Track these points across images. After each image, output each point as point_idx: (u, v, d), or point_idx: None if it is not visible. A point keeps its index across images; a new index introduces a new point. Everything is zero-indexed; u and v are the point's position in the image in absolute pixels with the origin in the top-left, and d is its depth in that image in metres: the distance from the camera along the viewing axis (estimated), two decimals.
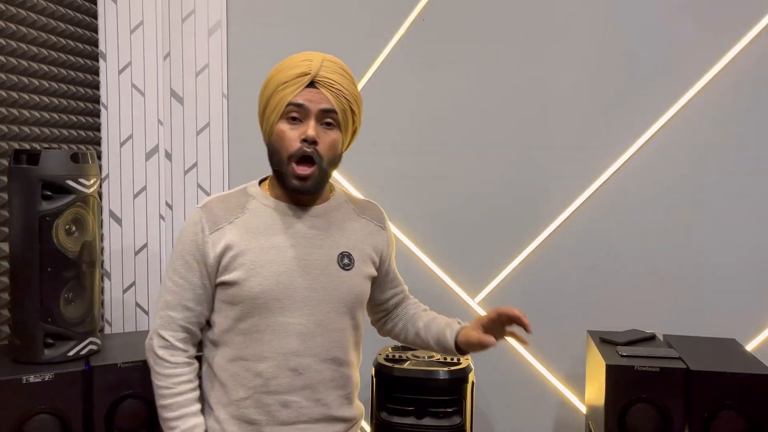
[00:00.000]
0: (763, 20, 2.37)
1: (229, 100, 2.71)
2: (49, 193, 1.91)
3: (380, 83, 2.64)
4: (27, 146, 2.29)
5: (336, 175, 2.68)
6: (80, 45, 2.59)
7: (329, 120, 1.39)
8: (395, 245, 1.65)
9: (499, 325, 1.48)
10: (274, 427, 1.38)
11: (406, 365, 2.22)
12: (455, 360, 2.26)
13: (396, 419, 2.17)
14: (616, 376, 2.00)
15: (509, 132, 2.59)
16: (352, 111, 1.43)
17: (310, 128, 1.34)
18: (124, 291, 2.75)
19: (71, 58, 2.54)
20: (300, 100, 1.36)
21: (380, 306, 1.65)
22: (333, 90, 1.38)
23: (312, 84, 1.37)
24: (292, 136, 1.36)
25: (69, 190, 1.93)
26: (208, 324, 1.46)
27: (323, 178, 1.41)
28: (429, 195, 2.63)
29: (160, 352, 1.41)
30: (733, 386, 1.94)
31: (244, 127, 2.73)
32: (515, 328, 1.50)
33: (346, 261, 1.42)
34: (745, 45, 2.39)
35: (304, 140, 1.35)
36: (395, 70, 2.63)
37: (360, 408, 1.57)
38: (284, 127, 1.37)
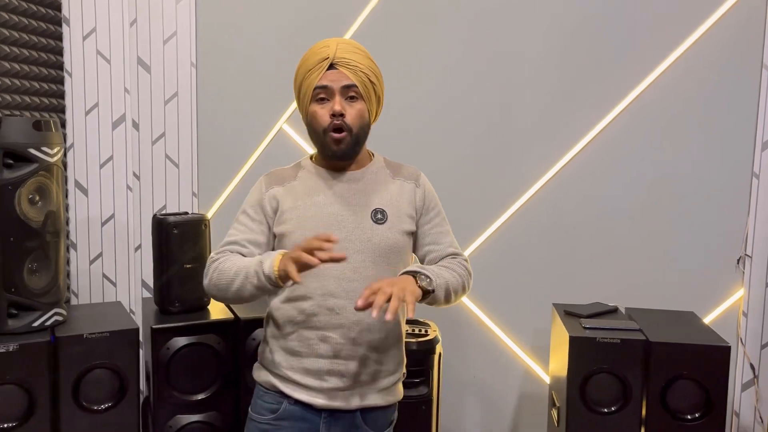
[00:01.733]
0: (722, 7, 2.41)
1: (197, 69, 2.67)
2: (11, 161, 1.87)
3: None
4: None
5: None
6: (42, 9, 2.51)
7: (352, 94, 1.58)
8: (436, 200, 1.71)
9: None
10: (313, 359, 1.55)
11: None
12: (423, 332, 2.29)
13: None
14: (578, 347, 2.05)
15: (476, 115, 2.60)
16: (372, 82, 1.61)
17: (336, 103, 1.56)
18: (91, 262, 2.71)
19: (33, 22, 2.46)
20: (324, 82, 1.57)
21: (422, 261, 1.71)
22: (350, 67, 1.57)
23: (332, 66, 1.57)
24: (323, 113, 1.58)
25: (31, 159, 1.89)
26: None
27: (356, 142, 1.61)
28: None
29: (213, 257, 1.59)
30: (689, 357, 2.01)
31: (213, 96, 2.69)
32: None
33: (379, 216, 1.60)
34: (704, 31, 2.44)
35: (333, 114, 1.56)
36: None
37: (399, 358, 1.64)
38: (316, 107, 1.59)
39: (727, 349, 2.01)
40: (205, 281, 1.57)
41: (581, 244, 2.59)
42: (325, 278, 1.54)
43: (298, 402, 1.55)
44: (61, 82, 2.65)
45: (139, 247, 2.75)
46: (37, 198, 1.93)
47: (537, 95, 2.57)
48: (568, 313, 2.28)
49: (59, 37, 2.62)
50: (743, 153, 2.47)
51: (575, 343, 2.06)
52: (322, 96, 1.57)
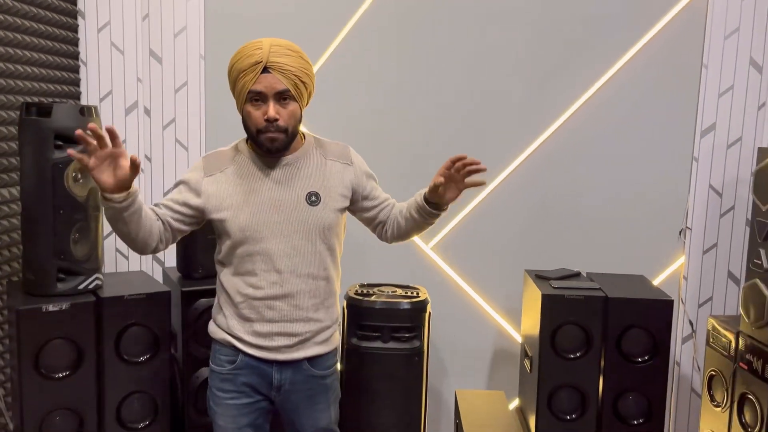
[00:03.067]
0: (669, 14, 2.80)
1: (206, 60, 2.92)
2: (60, 143, 2.11)
3: (349, 49, 2.91)
4: (4, 99, 2.41)
5: None
6: (59, 2, 2.70)
7: (285, 97, 1.71)
8: (367, 169, 1.92)
9: (455, 173, 1.75)
10: (263, 324, 1.79)
11: (372, 298, 2.57)
12: (415, 294, 2.63)
13: (365, 344, 2.53)
14: (549, 303, 2.42)
15: (458, 98, 2.93)
16: (303, 83, 1.73)
17: (271, 109, 1.68)
18: (104, 237, 2.94)
19: (50, 14, 2.65)
20: (258, 88, 1.68)
21: (374, 220, 1.96)
22: (283, 72, 1.68)
23: (266, 69, 1.68)
24: (257, 115, 1.71)
25: (77, 141, 2.13)
26: (216, 249, 1.89)
27: (290, 138, 1.76)
28: (385, 152, 2.95)
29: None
30: (640, 310, 2.40)
31: (220, 86, 2.91)
32: (473, 177, 1.77)
33: (313, 198, 1.78)
34: (662, 26, 2.83)
35: (267, 120, 1.69)
36: (363, 37, 2.91)
37: (334, 314, 1.91)
38: (250, 108, 1.71)
39: (670, 303, 2.42)
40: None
41: (549, 218, 2.96)
42: (269, 257, 1.75)
43: (251, 355, 1.80)
44: (77, 71, 2.86)
45: None
46: (80, 176, 2.18)
47: (512, 85, 2.91)
48: (539, 277, 2.65)
49: (75, 29, 2.84)
50: (685, 140, 2.88)
51: (547, 300, 2.43)
52: (255, 98, 1.68)
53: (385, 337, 2.52)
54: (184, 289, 2.34)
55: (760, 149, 2.35)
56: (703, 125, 2.85)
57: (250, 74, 1.67)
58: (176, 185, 1.84)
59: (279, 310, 1.78)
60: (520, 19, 2.87)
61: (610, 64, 2.86)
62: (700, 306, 2.94)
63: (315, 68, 2.93)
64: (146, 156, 2.94)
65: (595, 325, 2.43)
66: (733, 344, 2.43)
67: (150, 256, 3.00)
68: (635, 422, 2.45)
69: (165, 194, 2.99)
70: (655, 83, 2.86)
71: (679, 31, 2.83)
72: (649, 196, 2.92)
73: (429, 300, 2.63)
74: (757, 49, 2.80)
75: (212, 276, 2.47)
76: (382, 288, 2.68)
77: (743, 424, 2.35)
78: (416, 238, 2.99)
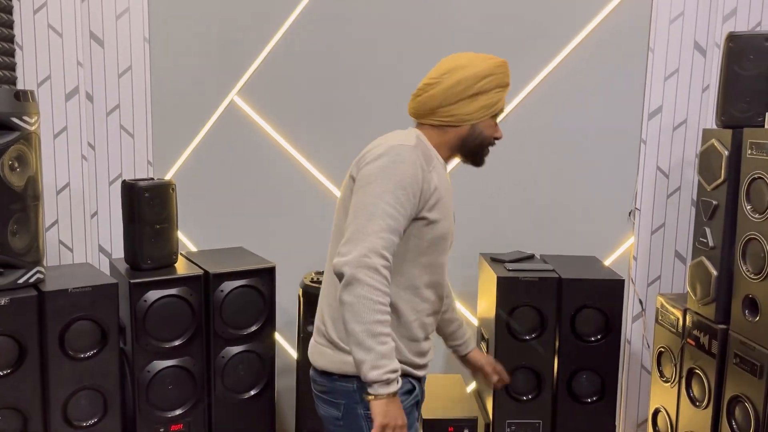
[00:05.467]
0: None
1: (150, 44, 2.82)
2: None
3: (306, 27, 2.86)
4: None
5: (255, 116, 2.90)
6: None
7: None
8: None
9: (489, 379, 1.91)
10: (425, 342, 1.65)
11: None
12: None
13: None
14: (505, 286, 2.44)
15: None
16: None
17: (500, 130, 1.68)
18: (47, 229, 2.82)
19: None
20: (503, 107, 1.67)
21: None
22: None
23: None
24: (497, 130, 1.68)
25: (14, 127, 2.03)
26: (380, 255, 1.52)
27: None
28: (343, 137, 2.91)
29: (384, 271, 1.42)
30: (592, 289, 2.44)
31: (167, 70, 2.85)
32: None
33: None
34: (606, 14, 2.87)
35: (496, 138, 1.69)
36: (315, 18, 2.85)
37: None
38: (492, 122, 1.66)
39: (621, 282, 2.47)
40: (357, 290, 1.39)
41: (503, 202, 2.98)
42: (443, 269, 1.65)
43: (417, 379, 1.65)
44: (12, 54, 2.72)
45: (96, 213, 2.89)
46: (17, 165, 2.07)
47: None
48: (494, 260, 2.66)
49: (10, 11, 2.69)
50: (633, 122, 2.93)
51: (502, 282, 2.44)
52: (496, 115, 1.65)
53: None
54: (132, 281, 2.27)
55: (704, 131, 2.42)
56: (650, 108, 2.91)
57: (504, 92, 1.64)
58: (398, 187, 1.46)
59: (433, 326, 1.69)
60: (466, 4, 2.86)
61: (558, 49, 2.88)
62: (649, 285, 3.01)
63: (263, 54, 2.87)
64: (89, 144, 2.83)
65: (549, 306, 2.46)
66: (681, 321, 2.50)
67: (96, 247, 2.90)
68: (589, 400, 2.50)
69: (114, 179, 2.89)
70: (603, 67, 2.90)
71: (626, 16, 2.87)
72: (599, 178, 2.97)
73: None
74: (701, 33, 2.86)
75: (161, 267, 2.42)
76: None
77: (691, 398, 2.42)
78: None
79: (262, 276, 2.49)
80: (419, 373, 1.64)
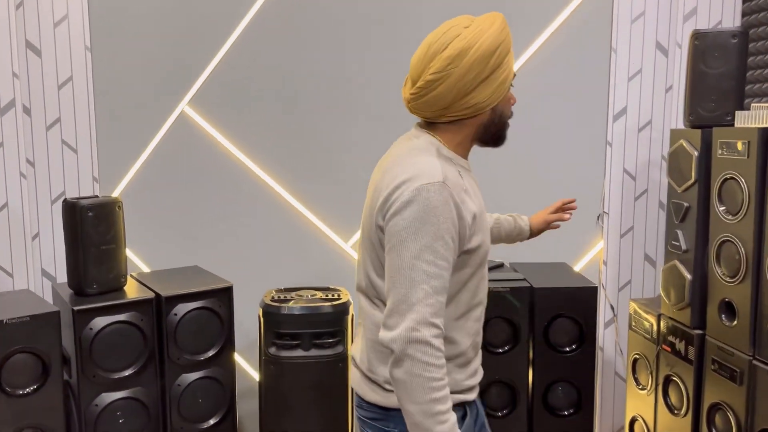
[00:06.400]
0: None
1: (93, 52, 2.64)
2: None
3: (261, 29, 2.72)
4: None
5: (219, 130, 2.75)
6: None
7: None
8: None
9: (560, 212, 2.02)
10: (476, 360, 1.51)
11: (290, 304, 2.40)
12: (336, 296, 2.48)
13: (284, 353, 2.36)
14: None
15: (376, 79, 2.81)
16: None
17: (514, 96, 1.47)
18: None
19: None
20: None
21: None
22: None
23: None
24: (512, 97, 1.47)
25: None
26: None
27: None
28: (300, 148, 2.79)
29: (436, 342, 1.28)
30: (565, 298, 2.36)
31: (111, 80, 2.68)
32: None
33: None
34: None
35: (513, 104, 1.48)
36: (270, 21, 2.72)
37: None
38: (509, 94, 1.45)
39: (594, 290, 2.39)
40: (409, 368, 1.26)
41: None
42: (485, 279, 1.49)
43: (468, 403, 1.51)
44: None
45: (37, 235, 2.69)
46: None
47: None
48: None
49: None
50: (598, 124, 2.88)
51: None
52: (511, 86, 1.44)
53: (306, 345, 2.36)
54: (76, 308, 2.09)
55: (672, 131, 2.36)
56: (615, 109, 2.86)
57: (512, 55, 1.40)
58: (437, 239, 1.29)
59: (481, 339, 1.53)
60: (426, 5, 2.78)
61: (520, 51, 2.81)
62: (620, 290, 2.96)
63: (215, 60, 2.73)
64: (28, 161, 2.64)
65: (521, 316, 2.36)
66: (655, 327, 2.44)
67: (39, 271, 2.70)
68: (566, 413, 2.42)
69: (57, 198, 2.70)
70: (566, 68, 2.84)
71: (588, 15, 2.82)
72: (566, 182, 2.90)
73: (351, 302, 2.49)
74: (662, 33, 2.83)
75: (108, 291, 2.24)
76: (301, 292, 2.52)
77: (669, 406, 2.36)
78: (336, 237, 2.84)
79: (218, 296, 2.34)
80: (471, 395, 1.49)
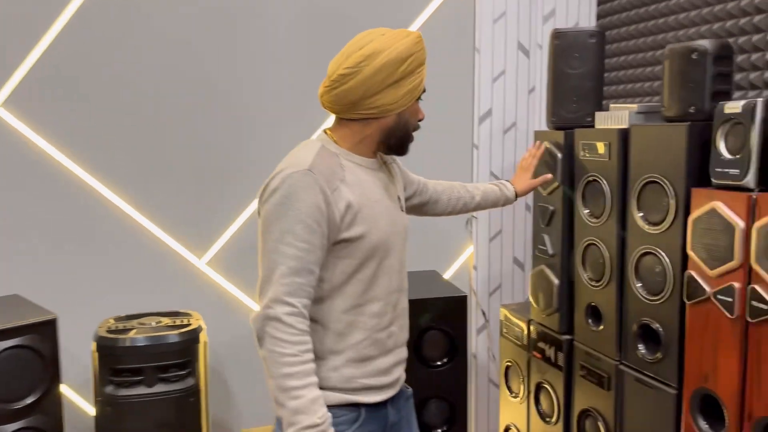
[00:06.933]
0: None
1: None
2: None
3: (88, 18, 2.37)
4: None
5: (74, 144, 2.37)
6: None
7: None
8: None
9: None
10: (383, 357, 1.49)
11: (131, 334, 2.09)
12: (185, 322, 2.20)
13: (123, 392, 2.05)
14: None
15: (220, 99, 2.55)
16: None
17: (422, 111, 1.56)
18: None
19: None
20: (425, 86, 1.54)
21: (424, 206, 1.89)
22: None
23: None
24: (419, 113, 1.55)
25: None
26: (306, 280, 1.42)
27: None
28: (135, 144, 2.47)
29: (289, 319, 1.35)
30: (435, 310, 2.24)
31: None
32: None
33: (401, 203, 1.60)
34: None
35: (420, 120, 1.56)
36: (99, 9, 2.38)
37: None
38: (416, 106, 1.54)
39: (463, 299, 2.29)
40: (266, 344, 1.35)
41: None
42: (389, 275, 1.50)
43: (371, 404, 1.49)
44: None
45: None
46: None
47: (274, 74, 2.60)
48: None
49: None
50: (465, 126, 2.81)
51: None
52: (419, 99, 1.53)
53: (150, 380, 2.07)
54: None
55: (536, 133, 2.32)
56: (481, 111, 2.80)
57: (425, 70, 1.52)
58: (297, 222, 1.35)
59: (395, 336, 1.53)
60: (282, 6, 2.57)
61: None
62: (491, 294, 2.90)
63: (34, 55, 2.34)
64: None
65: None
66: (525, 333, 2.39)
67: None
68: (440, 431, 2.30)
69: None
70: (430, 70, 2.72)
71: (451, 15, 2.74)
72: None
73: (203, 327, 2.22)
74: (524, 33, 2.81)
75: None
76: (144, 320, 2.21)
77: (541, 414, 2.31)
78: (187, 253, 2.55)
79: (40, 331, 1.99)
80: (372, 398, 1.48)
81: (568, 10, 2.85)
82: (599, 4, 2.85)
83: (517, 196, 2.04)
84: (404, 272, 1.57)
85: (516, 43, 2.80)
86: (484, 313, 2.89)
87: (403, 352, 1.57)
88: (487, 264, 2.88)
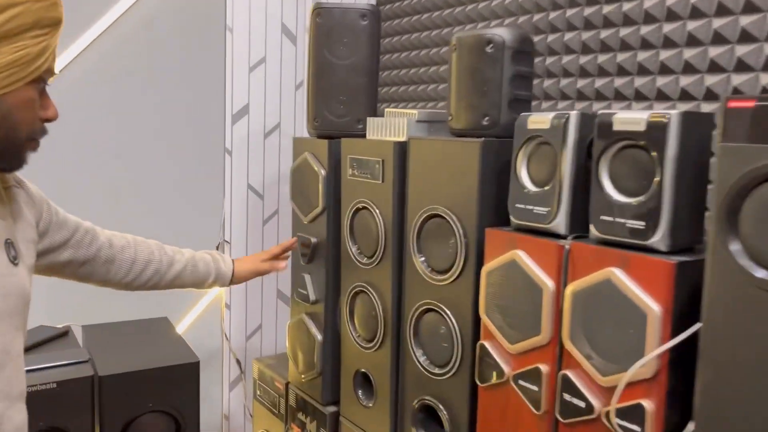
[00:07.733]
0: None
1: None
2: None
3: None
4: None
5: None
6: None
7: None
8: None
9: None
10: None
11: None
12: None
13: None
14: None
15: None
16: None
17: (53, 105, 0.99)
18: None
19: None
20: (54, 66, 0.97)
21: (87, 262, 1.25)
22: None
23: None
24: (37, 110, 0.96)
25: None
26: None
27: None
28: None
29: None
30: (152, 385, 1.59)
31: None
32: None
33: (13, 252, 1.01)
34: None
35: (47, 120, 0.98)
36: None
37: None
38: (33, 94, 0.95)
39: (195, 365, 1.66)
40: None
41: None
42: None
43: None
44: None
45: None
46: None
47: None
48: None
49: None
50: (213, 126, 2.19)
51: None
52: (42, 82, 0.96)
53: None
54: None
55: (295, 140, 1.77)
56: (234, 108, 2.20)
57: (51, 39, 0.93)
58: None
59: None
60: None
61: (102, 14, 1.96)
62: (248, 338, 2.31)
63: None
64: None
65: (81, 424, 1.52)
66: (284, 399, 1.84)
67: None
68: None
69: None
70: (168, 48, 2.08)
71: None
72: (175, 203, 2.15)
73: None
74: (289, 15, 2.26)
75: None
76: None
77: None
78: None
79: None
80: None
81: None
82: None
83: (233, 278, 1.52)
84: (17, 368, 1.00)
85: (280, 24, 2.24)
86: (239, 362, 2.29)
87: None
88: (244, 300, 2.29)
